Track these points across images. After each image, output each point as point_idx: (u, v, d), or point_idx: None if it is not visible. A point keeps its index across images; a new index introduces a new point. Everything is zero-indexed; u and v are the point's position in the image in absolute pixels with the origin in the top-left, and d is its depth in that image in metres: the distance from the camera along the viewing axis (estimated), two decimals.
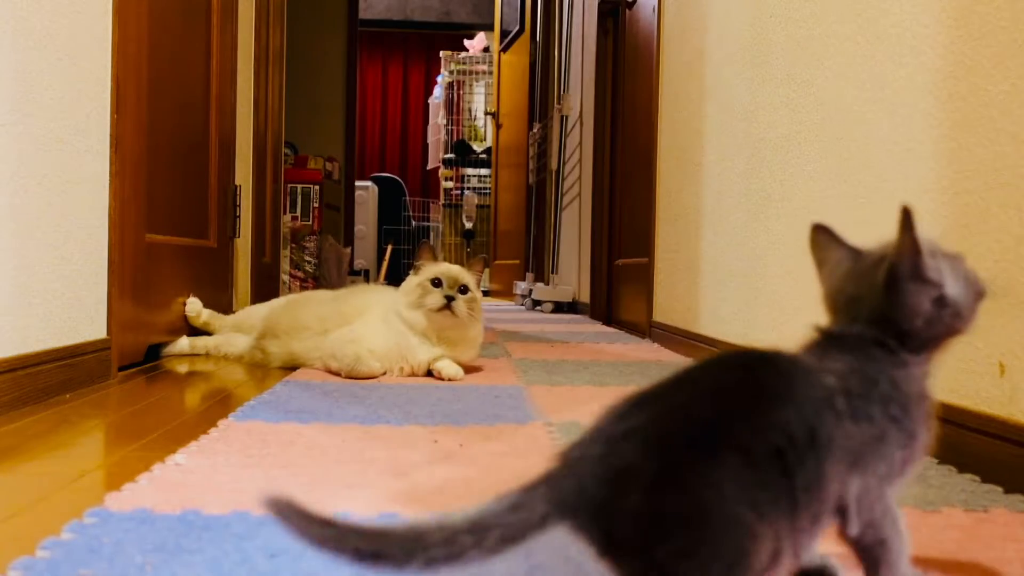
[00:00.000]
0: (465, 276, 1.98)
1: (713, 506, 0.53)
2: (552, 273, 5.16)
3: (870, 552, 0.63)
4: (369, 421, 1.40)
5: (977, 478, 1.10)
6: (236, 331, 2.34)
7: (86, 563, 0.73)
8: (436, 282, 1.94)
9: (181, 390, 1.81)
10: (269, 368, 2.10)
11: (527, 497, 0.55)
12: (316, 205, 4.93)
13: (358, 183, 6.74)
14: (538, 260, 5.63)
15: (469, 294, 1.95)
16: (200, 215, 2.59)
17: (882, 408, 0.60)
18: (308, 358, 2.05)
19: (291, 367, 2.09)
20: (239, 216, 2.92)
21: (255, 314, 2.38)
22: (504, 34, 6.79)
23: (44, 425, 1.36)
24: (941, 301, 0.62)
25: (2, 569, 0.71)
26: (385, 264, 7.12)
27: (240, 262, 3.08)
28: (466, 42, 8.34)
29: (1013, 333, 1.09)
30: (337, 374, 1.94)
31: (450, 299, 1.90)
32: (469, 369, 2.04)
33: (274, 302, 2.43)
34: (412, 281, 1.98)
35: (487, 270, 6.78)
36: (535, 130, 5.89)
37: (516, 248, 6.25)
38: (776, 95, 1.90)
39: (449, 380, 1.89)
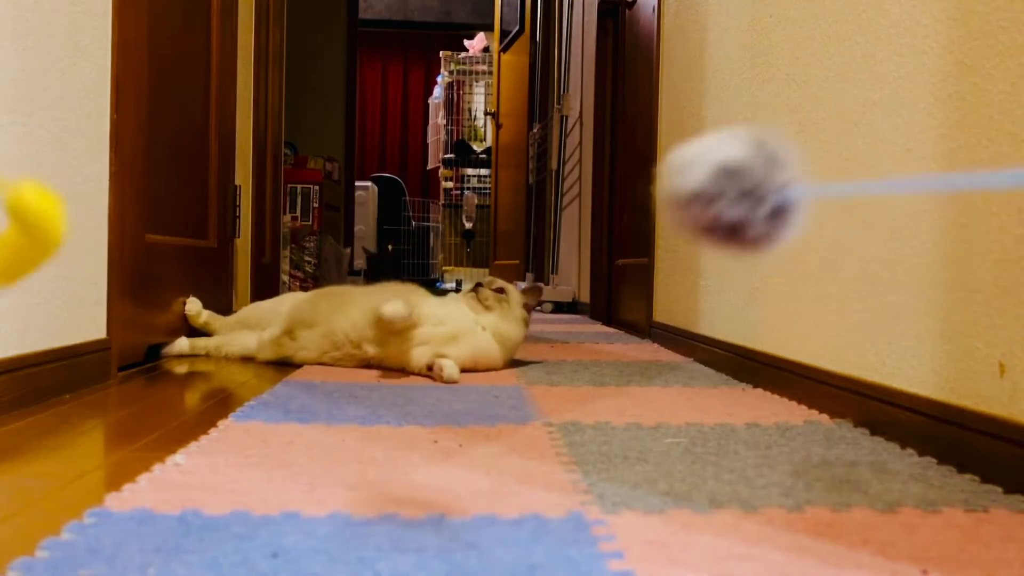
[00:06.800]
0: (506, 284, 2.23)
1: None
2: (552, 273, 5.16)
3: None
4: (369, 421, 1.40)
5: (977, 478, 1.10)
6: (243, 328, 2.33)
7: (86, 563, 0.73)
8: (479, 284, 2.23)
9: (181, 390, 1.81)
10: (286, 364, 2.11)
11: None
12: (316, 205, 4.93)
13: (358, 183, 6.74)
14: (538, 260, 5.64)
15: (502, 293, 2.18)
16: (200, 215, 2.59)
17: None
18: (351, 329, 2.07)
19: (299, 364, 2.09)
20: (239, 216, 2.92)
21: (263, 308, 2.37)
22: (504, 34, 6.79)
23: (44, 425, 1.36)
24: None
25: (2, 569, 0.71)
26: None
27: (240, 262, 3.08)
28: (466, 42, 8.35)
29: (1013, 333, 1.09)
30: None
31: (479, 285, 2.20)
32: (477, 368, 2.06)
33: (288, 297, 2.41)
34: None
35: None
36: (535, 130, 5.89)
37: (516, 248, 6.25)
38: (776, 95, 1.90)
39: (449, 382, 1.89)
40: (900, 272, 1.36)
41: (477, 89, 8.20)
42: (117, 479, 1.01)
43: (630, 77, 3.71)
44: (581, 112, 4.74)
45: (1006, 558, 0.81)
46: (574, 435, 1.32)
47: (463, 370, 1.97)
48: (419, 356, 1.98)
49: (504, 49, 6.72)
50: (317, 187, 4.95)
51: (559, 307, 4.85)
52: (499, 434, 1.33)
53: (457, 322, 2.05)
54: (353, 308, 2.08)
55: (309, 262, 4.75)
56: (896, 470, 1.14)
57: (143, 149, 2.06)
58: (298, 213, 4.90)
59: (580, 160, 4.71)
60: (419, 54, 10.52)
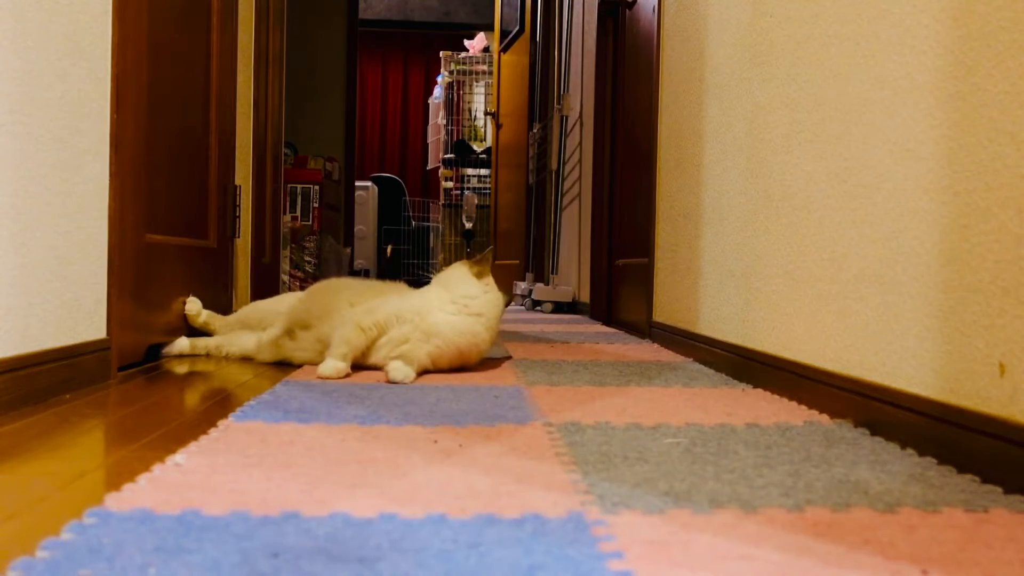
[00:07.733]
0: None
1: None
2: (552, 273, 5.16)
3: None
4: (369, 421, 1.40)
5: (977, 478, 1.10)
6: (243, 327, 2.33)
7: (86, 563, 0.73)
8: None
9: (181, 390, 1.81)
10: (286, 365, 2.11)
11: None
12: (316, 205, 4.93)
13: (358, 183, 6.74)
14: (538, 260, 5.64)
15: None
16: (200, 215, 2.59)
17: None
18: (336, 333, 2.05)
19: (299, 365, 2.10)
20: (239, 216, 2.92)
21: (263, 308, 2.38)
22: (504, 34, 6.79)
23: (44, 425, 1.36)
24: None
25: (2, 569, 0.71)
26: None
27: (240, 262, 3.08)
28: (466, 42, 8.34)
29: (1013, 333, 1.09)
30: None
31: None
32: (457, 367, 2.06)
33: (287, 296, 2.42)
34: None
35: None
36: (535, 130, 5.89)
37: (516, 248, 6.24)
38: (776, 95, 1.90)
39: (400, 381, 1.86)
40: (900, 272, 1.36)
41: (477, 89, 8.20)
42: (117, 479, 1.01)
43: (630, 77, 3.71)
44: (581, 112, 4.74)
45: (1006, 558, 0.81)
46: (574, 435, 1.32)
47: (450, 368, 2.03)
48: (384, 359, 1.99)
49: (504, 49, 6.71)
50: (317, 187, 4.94)
51: (559, 307, 4.85)
52: (499, 434, 1.33)
53: (418, 315, 2.02)
54: (336, 315, 2.08)
55: (309, 262, 4.75)
56: (896, 470, 1.14)
57: (143, 149, 2.06)
58: (298, 213, 4.89)
59: (580, 160, 4.71)
60: (419, 54, 10.52)
